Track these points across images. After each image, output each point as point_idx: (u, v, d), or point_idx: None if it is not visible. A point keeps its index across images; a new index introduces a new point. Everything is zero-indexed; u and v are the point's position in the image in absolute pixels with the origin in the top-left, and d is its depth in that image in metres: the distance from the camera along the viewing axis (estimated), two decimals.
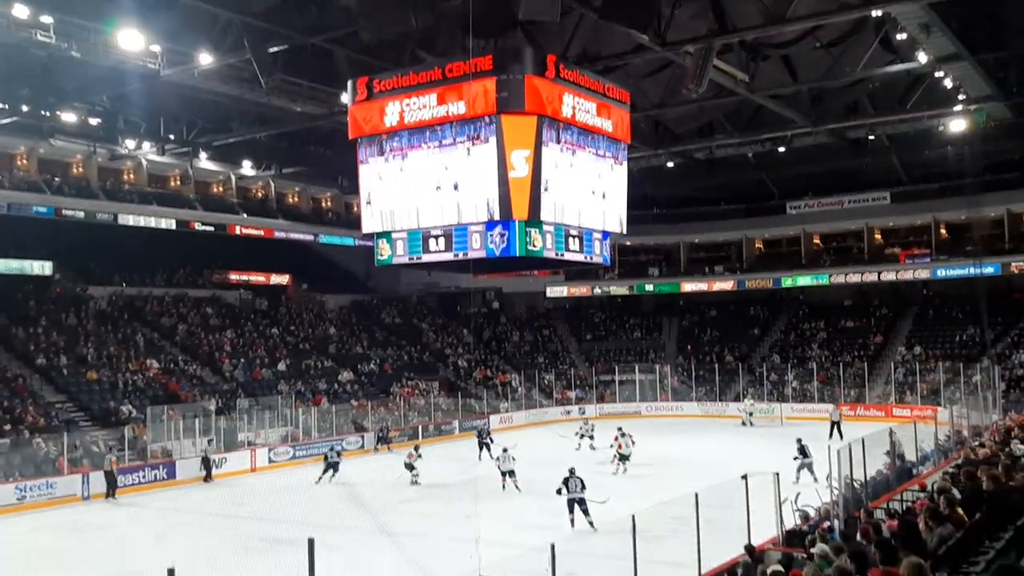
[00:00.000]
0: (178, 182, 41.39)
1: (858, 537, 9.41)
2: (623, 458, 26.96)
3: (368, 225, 19.50)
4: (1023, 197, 41.22)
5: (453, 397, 40.97)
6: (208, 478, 27.93)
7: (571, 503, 19.43)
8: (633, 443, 27.52)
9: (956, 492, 9.43)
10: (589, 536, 14.52)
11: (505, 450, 25.26)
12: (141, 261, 40.45)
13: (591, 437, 31.80)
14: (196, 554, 15.79)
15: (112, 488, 25.47)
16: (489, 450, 29.05)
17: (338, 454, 28.16)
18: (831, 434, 30.22)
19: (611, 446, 27.66)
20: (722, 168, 42.64)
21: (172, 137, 33.52)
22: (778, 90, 27.47)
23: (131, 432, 28.99)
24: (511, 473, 24.44)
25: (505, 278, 48.27)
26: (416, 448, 28.06)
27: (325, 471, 26.82)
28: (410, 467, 26.18)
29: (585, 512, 19.20)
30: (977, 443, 18.27)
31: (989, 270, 40.68)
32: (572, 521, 19.30)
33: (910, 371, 40.27)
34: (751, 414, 38.63)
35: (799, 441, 24.25)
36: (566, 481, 19.73)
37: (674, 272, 50.80)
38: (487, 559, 12.22)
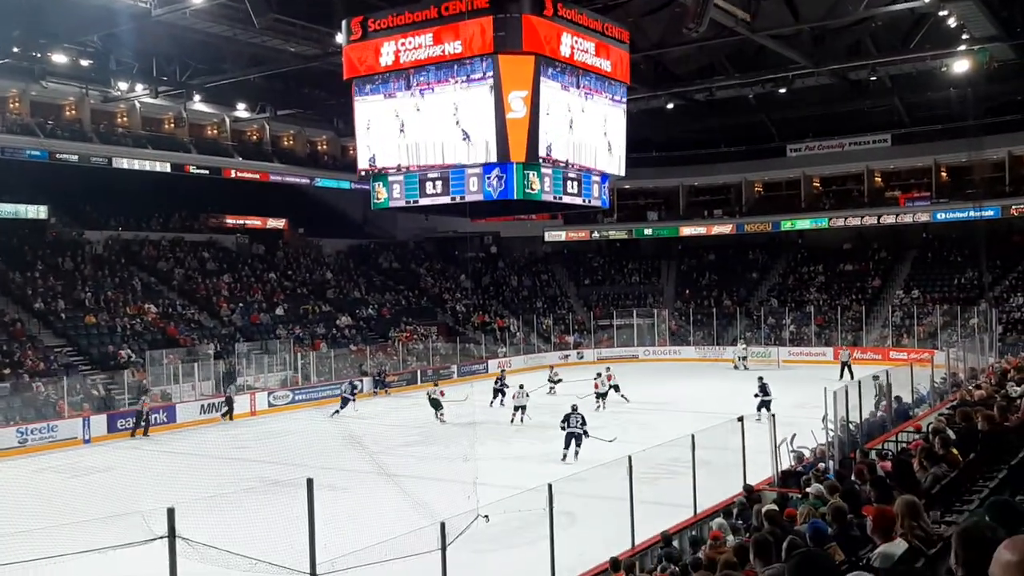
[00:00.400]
0: (172, 125, 40.88)
1: (852, 477, 9.47)
2: (599, 396, 28.22)
3: (364, 164, 19.35)
4: None
5: (451, 342, 41.10)
6: (229, 416, 28.88)
7: (569, 437, 20.73)
8: (610, 382, 28.87)
9: (951, 433, 9.44)
10: (586, 477, 14.67)
11: (521, 386, 26.54)
12: (137, 205, 40.19)
13: (555, 382, 32.45)
14: (197, 495, 15.92)
15: (146, 427, 26.63)
16: (503, 396, 29.30)
17: (352, 390, 29.64)
18: (841, 375, 30.50)
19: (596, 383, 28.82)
20: (722, 110, 42.15)
21: (165, 79, 33.08)
22: (779, 30, 27.00)
23: (131, 376, 29.15)
24: (523, 408, 25.79)
25: (503, 222, 48.05)
26: (437, 384, 29.74)
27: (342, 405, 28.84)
28: (436, 404, 26.98)
29: (578, 446, 20.55)
30: (973, 385, 18.32)
31: (989, 213, 40.45)
32: (565, 455, 20.30)
33: (908, 314, 40.38)
34: (744, 358, 38.70)
35: (760, 380, 25.46)
36: (567, 417, 21.03)
37: (673, 216, 50.53)
38: (485, 499, 12.33)
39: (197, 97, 37.39)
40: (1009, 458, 7.44)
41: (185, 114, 39.80)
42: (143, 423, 26.66)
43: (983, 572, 2.07)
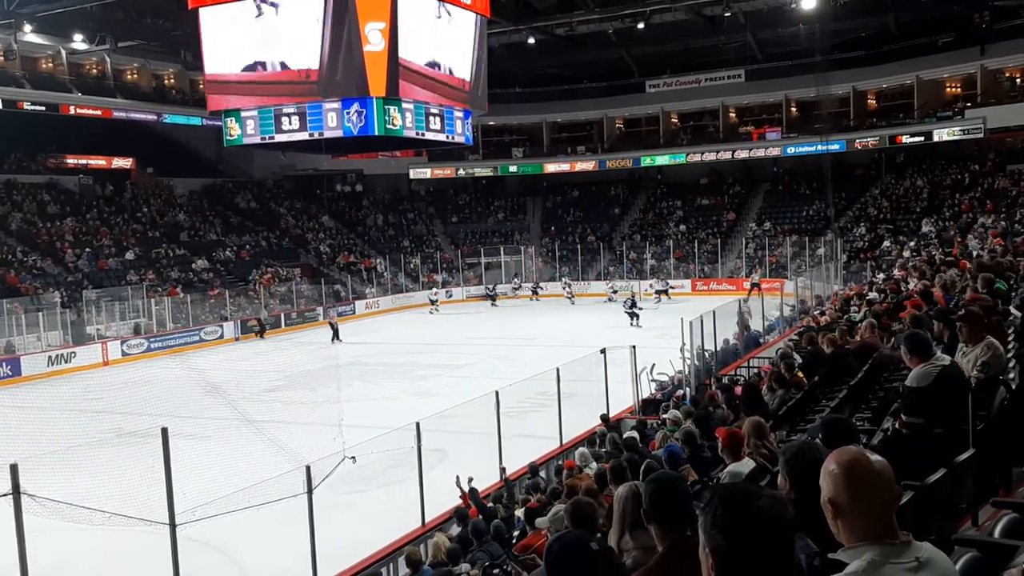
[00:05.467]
0: (2, 58, 37.80)
1: (706, 402, 9.86)
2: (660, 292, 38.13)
3: (214, 99, 18.44)
4: (868, 75, 42.81)
5: (316, 283, 40.29)
6: (262, 335, 33.82)
7: (629, 314, 30.56)
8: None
9: (798, 357, 9.95)
10: (455, 413, 14.80)
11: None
12: None
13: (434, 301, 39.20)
14: (46, 450, 15.14)
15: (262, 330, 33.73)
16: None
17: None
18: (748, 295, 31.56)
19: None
20: (583, 45, 42.29)
21: None
22: None
23: None
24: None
25: (366, 159, 46.97)
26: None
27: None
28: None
29: (637, 318, 30.37)
30: (819, 311, 19.37)
31: (835, 147, 42.31)
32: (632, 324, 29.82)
33: (760, 246, 42.19)
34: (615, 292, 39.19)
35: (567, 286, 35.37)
36: (625, 302, 31.70)
37: (537, 153, 50.69)
38: (353, 441, 12.20)
39: (28, 28, 34.64)
40: (849, 378, 7.88)
41: (16, 46, 36.79)
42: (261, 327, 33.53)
43: (810, 487, 2.16)
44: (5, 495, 8.63)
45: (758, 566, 1.86)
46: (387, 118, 17.28)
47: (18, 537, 8.54)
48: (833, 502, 2.12)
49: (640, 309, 31.53)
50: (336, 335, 31.24)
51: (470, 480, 11.08)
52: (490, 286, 42.99)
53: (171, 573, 9.13)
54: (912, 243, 35.03)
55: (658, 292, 38.45)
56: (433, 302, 39.29)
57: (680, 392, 14.27)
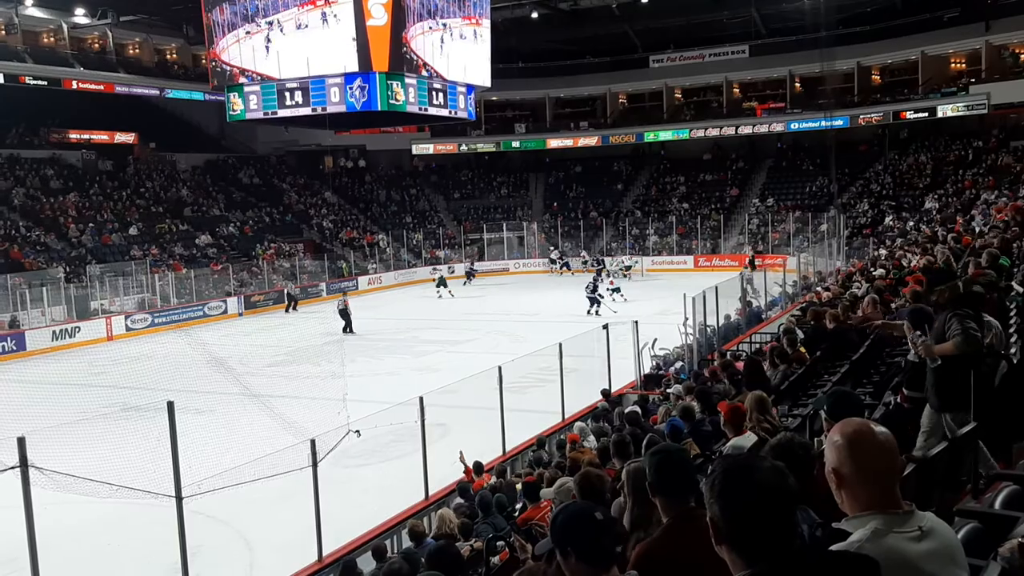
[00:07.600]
0: (3, 32, 37.63)
1: (707, 377, 9.89)
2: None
3: (218, 74, 18.44)
4: (873, 51, 42.53)
5: (319, 259, 40.30)
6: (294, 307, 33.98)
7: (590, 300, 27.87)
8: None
9: (800, 332, 9.96)
10: (457, 388, 14.87)
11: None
12: None
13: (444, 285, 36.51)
14: (52, 423, 15.22)
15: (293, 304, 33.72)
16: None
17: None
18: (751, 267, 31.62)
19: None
20: (587, 20, 41.99)
21: None
22: None
23: None
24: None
25: (369, 135, 46.83)
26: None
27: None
28: (443, 282, 35.60)
29: (598, 305, 27.39)
30: (822, 287, 19.38)
31: (838, 123, 42.07)
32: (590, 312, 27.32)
33: (763, 222, 42.11)
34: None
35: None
36: (594, 279, 29.27)
37: (540, 128, 50.47)
38: (357, 415, 12.27)
39: (30, 2, 34.47)
40: (851, 353, 7.92)
41: (17, 20, 36.66)
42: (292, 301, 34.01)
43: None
44: (13, 468, 8.68)
45: (759, 536, 1.89)
46: (390, 93, 17.29)
47: (26, 509, 8.61)
48: (837, 472, 2.16)
49: (602, 296, 28.38)
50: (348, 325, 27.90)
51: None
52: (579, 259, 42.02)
53: (177, 545, 9.21)
54: (913, 220, 34.95)
55: (626, 268, 38.41)
56: (470, 275, 39.61)
57: (673, 369, 14.34)
